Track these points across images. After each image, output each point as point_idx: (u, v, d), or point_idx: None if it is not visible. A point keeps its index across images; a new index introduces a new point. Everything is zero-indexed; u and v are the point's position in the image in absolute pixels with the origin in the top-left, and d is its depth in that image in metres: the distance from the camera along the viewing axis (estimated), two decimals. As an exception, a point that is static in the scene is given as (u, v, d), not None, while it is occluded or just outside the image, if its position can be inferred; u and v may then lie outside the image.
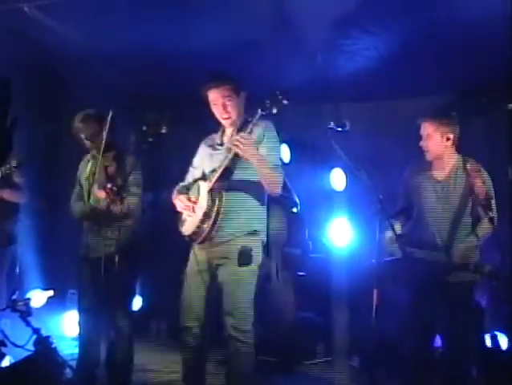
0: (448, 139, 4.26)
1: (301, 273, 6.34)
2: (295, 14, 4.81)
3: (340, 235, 6.37)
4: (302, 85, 5.62)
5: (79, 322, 4.77)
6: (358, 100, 6.53)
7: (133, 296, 4.88)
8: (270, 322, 5.77)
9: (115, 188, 4.40)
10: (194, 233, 3.95)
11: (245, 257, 3.88)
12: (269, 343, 5.67)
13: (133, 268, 4.72)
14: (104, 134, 4.44)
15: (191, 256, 4.08)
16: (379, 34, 5.18)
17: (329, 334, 5.84)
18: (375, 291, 3.68)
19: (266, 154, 3.89)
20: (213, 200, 3.86)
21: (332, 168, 6.58)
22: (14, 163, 4.85)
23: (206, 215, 3.86)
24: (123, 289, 4.61)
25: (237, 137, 3.73)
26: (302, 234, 6.38)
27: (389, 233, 4.21)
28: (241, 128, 3.96)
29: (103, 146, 4.48)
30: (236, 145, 3.72)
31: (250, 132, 3.81)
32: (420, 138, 4.34)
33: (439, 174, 4.35)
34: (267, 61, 5.58)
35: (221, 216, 3.86)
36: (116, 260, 4.27)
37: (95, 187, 4.61)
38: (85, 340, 4.75)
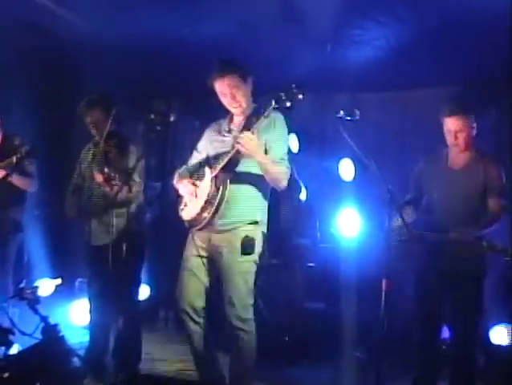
0: (473, 128, 4.26)
1: (310, 264, 6.32)
2: (306, 4, 4.79)
3: (349, 225, 6.34)
4: (312, 74, 5.60)
5: (90, 310, 4.80)
6: (367, 90, 6.50)
7: (139, 285, 4.88)
8: (278, 312, 5.77)
9: (112, 174, 4.40)
10: (194, 219, 3.97)
11: (246, 247, 3.90)
12: (276, 333, 5.68)
13: (137, 256, 4.73)
14: (109, 122, 4.45)
15: (189, 240, 4.09)
16: (388, 24, 5.15)
17: (337, 324, 5.83)
18: (383, 281, 3.66)
19: (272, 146, 3.91)
20: (216, 188, 3.88)
21: (341, 158, 6.55)
22: (25, 150, 4.87)
23: (208, 202, 3.89)
24: (129, 278, 4.62)
25: (241, 136, 3.72)
26: (311, 225, 6.37)
27: (398, 223, 4.19)
28: (250, 117, 3.95)
29: (105, 132, 4.48)
30: (239, 143, 3.73)
31: (258, 122, 3.79)
32: (435, 130, 4.33)
33: (455, 164, 4.34)
34: (277, 50, 5.56)
35: (223, 204, 3.87)
36: (124, 248, 4.27)
37: (95, 172, 4.61)
38: (94, 328, 4.78)
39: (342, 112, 3.82)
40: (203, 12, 4.94)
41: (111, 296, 4.47)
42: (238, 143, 3.72)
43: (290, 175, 4.05)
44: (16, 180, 5.11)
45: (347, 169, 6.54)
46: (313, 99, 6.49)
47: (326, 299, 6.22)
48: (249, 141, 3.69)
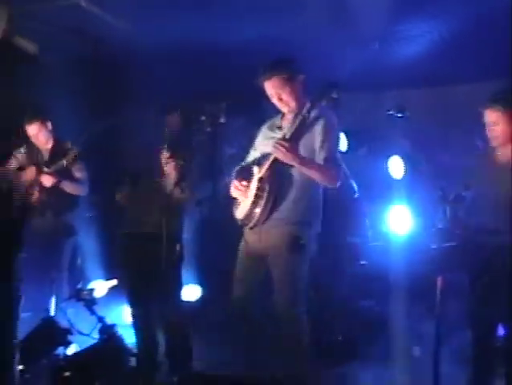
0: None
1: (363, 262, 6.30)
2: (354, 0, 4.77)
3: (399, 223, 6.29)
4: (361, 72, 5.58)
5: (131, 311, 4.81)
6: (417, 86, 6.44)
7: (180, 285, 4.86)
8: (330, 311, 5.76)
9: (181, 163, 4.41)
10: (245, 217, 4.01)
11: (296, 246, 3.89)
12: (329, 333, 5.67)
13: (176, 256, 4.71)
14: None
15: (243, 240, 4.13)
16: (439, 16, 5.09)
17: (390, 322, 5.79)
18: (439, 279, 3.62)
19: (321, 145, 3.91)
20: (262, 188, 3.90)
21: (390, 155, 6.50)
22: (74, 153, 4.98)
23: (257, 202, 3.92)
24: (167, 277, 4.59)
25: (276, 144, 3.79)
26: (362, 223, 6.34)
27: (449, 220, 4.15)
28: (299, 115, 3.95)
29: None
30: (275, 150, 3.79)
31: (305, 121, 3.81)
32: (483, 125, 4.26)
33: (502, 159, 4.27)
34: (325, 49, 5.54)
35: (271, 203, 3.89)
36: (177, 248, 4.29)
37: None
38: (136, 329, 4.78)
39: (392, 109, 3.81)
40: (252, 14, 4.96)
41: (149, 296, 4.50)
42: (274, 149, 3.80)
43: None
44: (66, 186, 5.22)
45: (396, 167, 6.48)
46: (361, 96, 6.48)
47: (378, 297, 6.18)
48: (283, 150, 3.75)
